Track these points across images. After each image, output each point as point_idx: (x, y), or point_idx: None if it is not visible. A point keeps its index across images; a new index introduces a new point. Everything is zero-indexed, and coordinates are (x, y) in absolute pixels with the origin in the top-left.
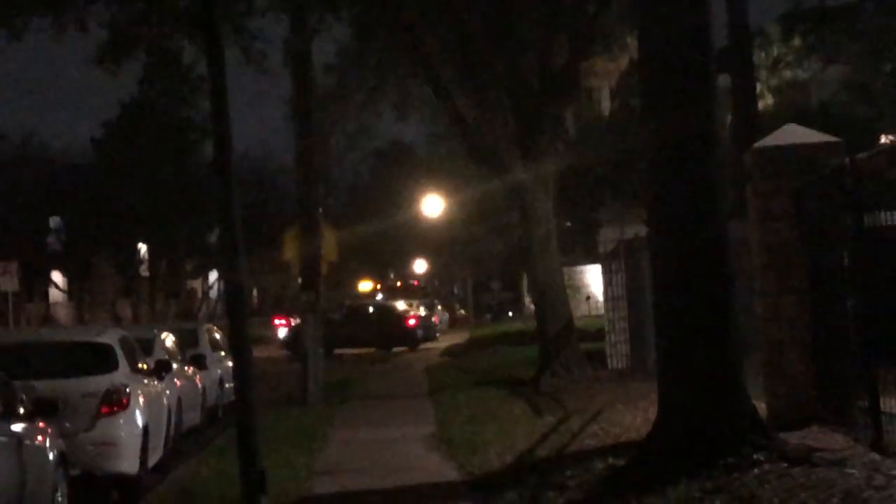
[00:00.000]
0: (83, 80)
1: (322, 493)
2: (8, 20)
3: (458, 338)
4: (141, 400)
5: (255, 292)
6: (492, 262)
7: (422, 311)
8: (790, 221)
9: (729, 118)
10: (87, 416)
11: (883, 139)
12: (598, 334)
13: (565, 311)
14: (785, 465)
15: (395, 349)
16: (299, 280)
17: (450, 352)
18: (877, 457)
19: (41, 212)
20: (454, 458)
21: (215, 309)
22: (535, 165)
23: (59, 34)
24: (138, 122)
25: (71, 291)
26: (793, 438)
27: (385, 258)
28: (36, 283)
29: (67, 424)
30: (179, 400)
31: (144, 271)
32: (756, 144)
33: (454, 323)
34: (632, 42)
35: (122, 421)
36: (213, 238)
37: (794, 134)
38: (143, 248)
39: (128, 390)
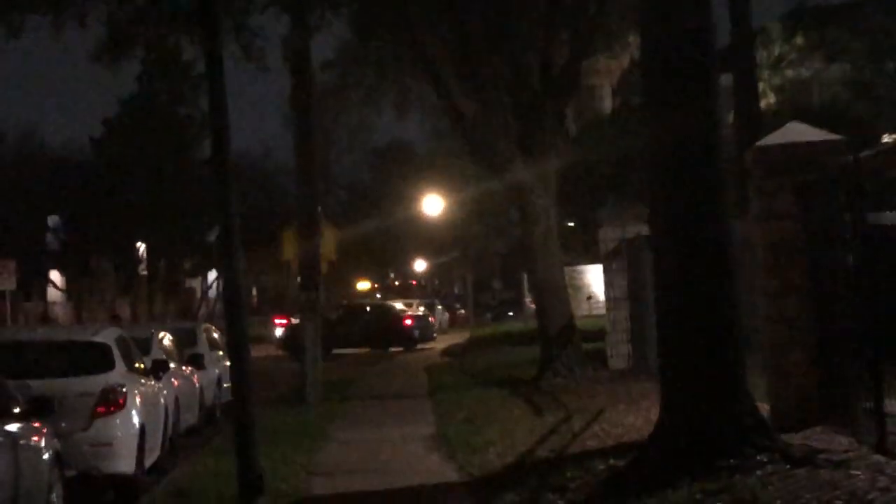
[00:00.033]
0: (82, 78)
1: (320, 494)
2: (6, 17)
3: (459, 337)
4: (137, 400)
5: (254, 291)
6: (492, 262)
7: (421, 311)
8: (793, 220)
9: (731, 117)
10: (83, 416)
11: (885, 138)
12: (599, 334)
13: (566, 311)
14: (788, 466)
15: (392, 349)
16: (298, 279)
17: (450, 351)
18: (881, 458)
19: (40, 210)
20: (454, 458)
21: (214, 308)
22: (535, 164)
23: (57, 31)
24: (138, 121)
25: (69, 290)
26: (796, 439)
27: (385, 257)
28: (34, 282)
29: (63, 424)
30: (177, 399)
31: (143, 270)
32: (758, 143)
33: (454, 322)
34: (633, 40)
35: (118, 421)
36: (212, 237)
37: (796, 132)
38: (141, 247)
39: (124, 390)
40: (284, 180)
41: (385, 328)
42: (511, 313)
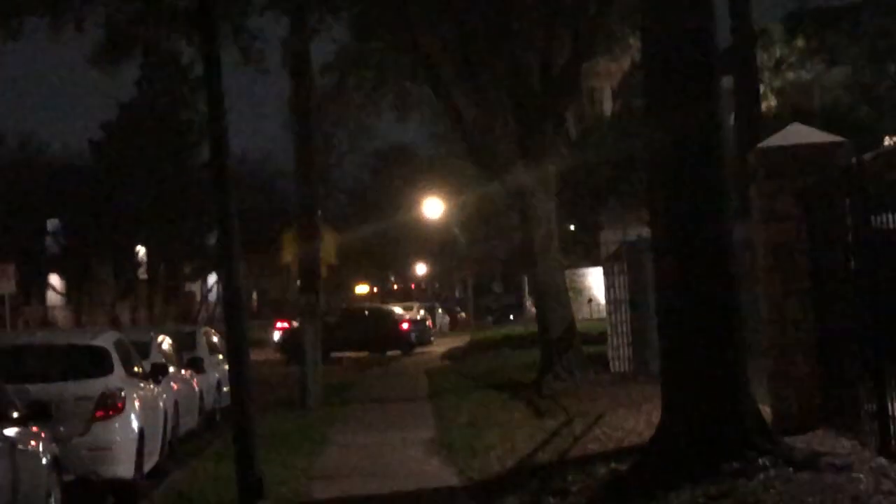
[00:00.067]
0: (82, 82)
1: (320, 498)
2: (4, 20)
3: (459, 341)
4: (136, 404)
5: (254, 295)
6: (493, 265)
7: (419, 315)
8: (794, 222)
9: (731, 119)
10: (81, 421)
11: (887, 141)
12: (600, 337)
13: (567, 314)
14: (791, 470)
15: (389, 353)
16: (298, 283)
17: (450, 355)
18: (884, 461)
19: (39, 214)
20: (454, 462)
21: (214, 312)
22: (535, 166)
23: (55, 34)
24: (137, 124)
25: (69, 294)
26: (798, 442)
27: (386, 261)
28: (34, 286)
29: (62, 429)
30: (176, 403)
31: (143, 274)
32: (760, 144)
33: (455, 326)
34: (634, 42)
35: (117, 425)
36: (212, 240)
37: (798, 134)
38: (141, 250)
39: (123, 394)
40: (285, 183)
41: (382, 332)
42: (512, 317)
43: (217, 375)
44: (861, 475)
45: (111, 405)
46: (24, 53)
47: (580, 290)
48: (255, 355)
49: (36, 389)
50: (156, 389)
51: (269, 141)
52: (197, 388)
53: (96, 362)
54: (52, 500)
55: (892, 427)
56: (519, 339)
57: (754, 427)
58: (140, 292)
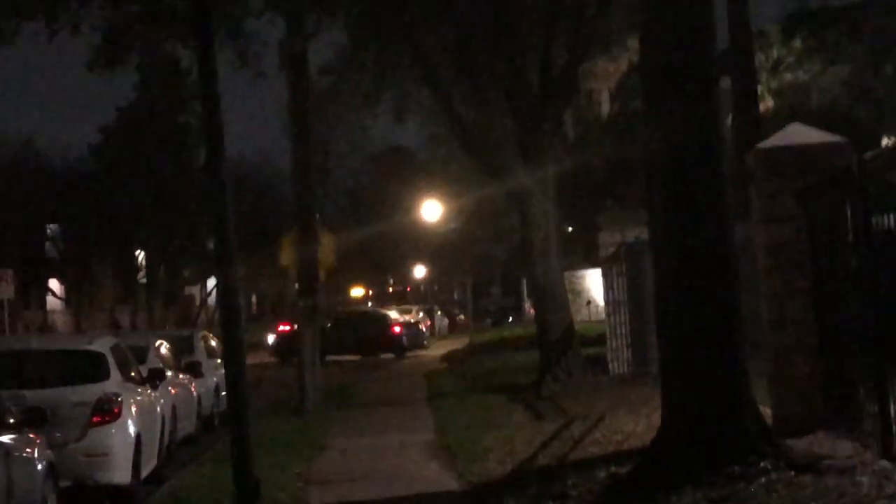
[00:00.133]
0: (81, 86)
1: None
2: (1, 23)
3: (458, 343)
4: (133, 409)
5: (253, 298)
6: (492, 267)
7: (412, 318)
8: (795, 223)
9: (729, 120)
10: (78, 426)
11: (885, 141)
12: (600, 339)
13: (566, 316)
14: (792, 473)
15: (383, 356)
16: (296, 286)
17: (449, 357)
18: (887, 464)
19: (38, 218)
20: (453, 466)
21: (213, 316)
22: (534, 168)
23: (52, 37)
24: (136, 128)
25: (69, 299)
26: (799, 445)
27: (384, 263)
28: (33, 291)
29: (58, 434)
30: (174, 408)
31: (142, 278)
32: (760, 145)
33: (454, 328)
34: (632, 44)
35: (113, 430)
36: (211, 244)
37: (798, 134)
38: (140, 254)
39: (119, 399)
40: (284, 186)
41: (375, 335)
42: (511, 318)
43: (215, 379)
44: (863, 478)
45: (108, 411)
46: (23, 59)
47: (579, 292)
48: (253, 358)
49: (32, 395)
50: (153, 394)
51: (268, 144)
52: (195, 393)
53: (93, 368)
54: None
55: (894, 429)
56: (518, 342)
57: (755, 429)
58: (139, 296)
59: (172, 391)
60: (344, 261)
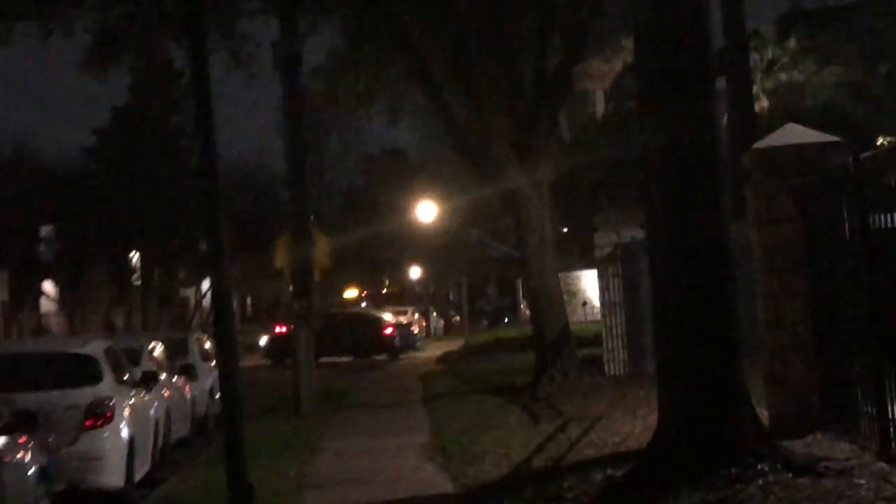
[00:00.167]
0: (75, 88)
1: None
2: None
3: (454, 344)
4: (126, 412)
5: (248, 300)
6: (487, 268)
7: (405, 320)
8: (791, 223)
9: (724, 120)
10: (70, 430)
11: (880, 141)
12: (596, 340)
13: (561, 317)
14: (790, 474)
15: (375, 357)
16: (291, 288)
17: (445, 358)
18: (885, 466)
19: (32, 220)
20: (449, 468)
21: (208, 318)
22: (529, 169)
23: (46, 38)
24: (130, 130)
25: (63, 301)
26: (797, 446)
27: (380, 264)
28: (27, 293)
29: (51, 438)
30: (168, 411)
31: (137, 280)
32: (756, 145)
33: (449, 329)
34: (626, 44)
35: (106, 434)
36: (205, 246)
37: (794, 134)
38: (135, 256)
39: (112, 403)
40: (279, 187)
41: (367, 337)
42: (507, 319)
43: (209, 382)
44: (861, 480)
45: (101, 414)
46: (16, 60)
47: (574, 293)
48: (249, 360)
49: (24, 399)
50: (147, 397)
51: (263, 145)
52: (189, 396)
53: (86, 371)
54: None
55: (892, 430)
56: (514, 343)
57: (752, 430)
58: (134, 298)
59: (166, 394)
60: (339, 262)
